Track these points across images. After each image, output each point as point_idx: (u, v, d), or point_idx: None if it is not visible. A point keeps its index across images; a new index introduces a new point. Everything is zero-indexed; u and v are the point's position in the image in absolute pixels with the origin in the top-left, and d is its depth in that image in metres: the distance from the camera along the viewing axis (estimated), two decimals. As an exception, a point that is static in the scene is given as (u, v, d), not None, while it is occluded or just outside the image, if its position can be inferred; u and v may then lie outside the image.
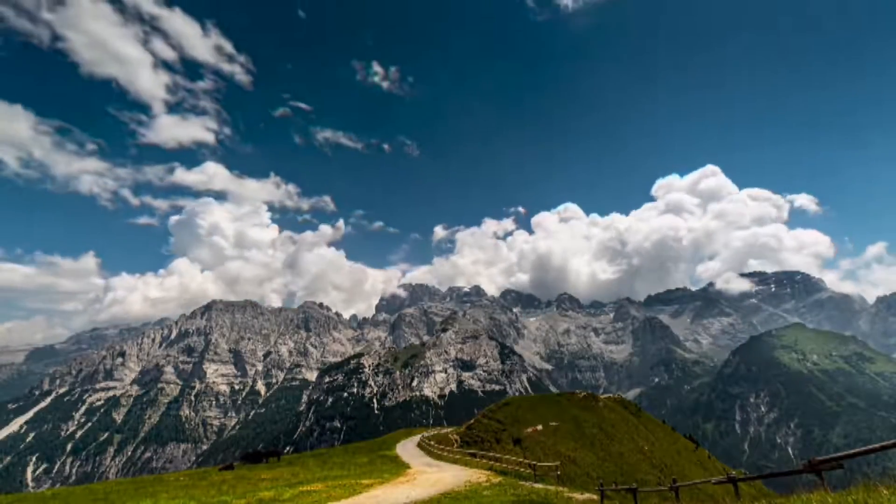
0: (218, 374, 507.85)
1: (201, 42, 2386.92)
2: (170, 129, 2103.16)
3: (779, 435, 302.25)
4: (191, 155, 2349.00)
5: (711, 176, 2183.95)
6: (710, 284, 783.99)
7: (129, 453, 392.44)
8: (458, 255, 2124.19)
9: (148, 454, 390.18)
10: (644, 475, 58.13)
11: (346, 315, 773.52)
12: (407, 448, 54.55)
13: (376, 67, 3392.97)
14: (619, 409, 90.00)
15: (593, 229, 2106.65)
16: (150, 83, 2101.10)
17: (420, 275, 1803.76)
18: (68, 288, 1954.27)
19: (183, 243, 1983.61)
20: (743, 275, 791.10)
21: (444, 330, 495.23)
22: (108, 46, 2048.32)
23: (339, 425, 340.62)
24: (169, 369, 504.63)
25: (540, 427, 68.29)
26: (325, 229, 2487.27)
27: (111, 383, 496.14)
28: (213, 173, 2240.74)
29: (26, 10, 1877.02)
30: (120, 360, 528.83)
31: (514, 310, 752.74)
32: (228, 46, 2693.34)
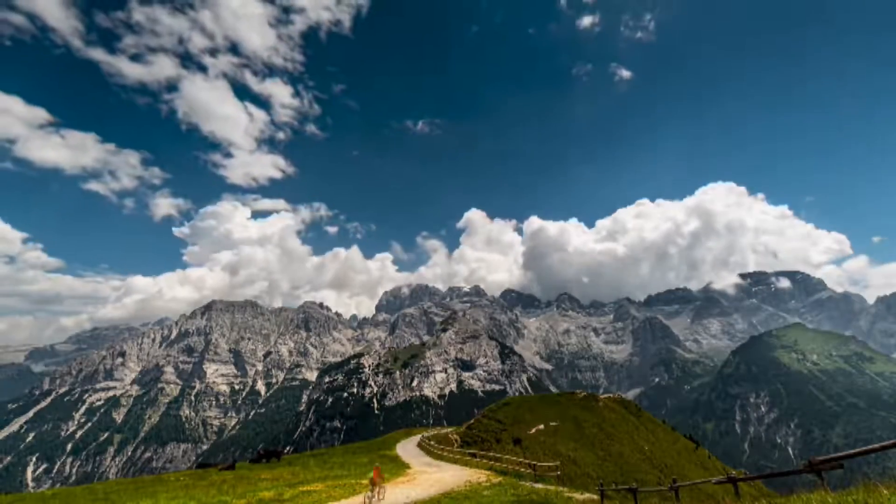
0: (218, 374, 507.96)
1: (292, 109, 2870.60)
2: (246, 169, 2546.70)
3: (779, 435, 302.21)
4: (261, 189, 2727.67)
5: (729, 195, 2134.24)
6: (710, 284, 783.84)
7: (129, 453, 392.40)
8: (466, 238, 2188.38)
9: (148, 454, 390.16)
10: (644, 475, 58.10)
11: (347, 315, 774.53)
12: (407, 448, 54.52)
13: (421, 125, 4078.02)
14: (619, 409, 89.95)
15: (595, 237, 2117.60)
16: (240, 137, 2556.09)
17: (438, 270, 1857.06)
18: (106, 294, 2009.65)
19: (210, 249, 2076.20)
20: (743, 275, 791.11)
21: (444, 330, 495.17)
22: (215, 112, 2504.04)
23: (339, 425, 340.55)
24: (169, 369, 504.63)
25: (542, 427, 68.31)
26: (358, 238, 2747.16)
27: (111, 383, 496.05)
28: (275, 205, 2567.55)
29: (151, 93, 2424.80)
30: (120, 360, 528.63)
31: (514, 310, 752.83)
32: (316, 111, 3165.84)
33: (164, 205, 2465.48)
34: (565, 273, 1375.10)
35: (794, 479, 10.80)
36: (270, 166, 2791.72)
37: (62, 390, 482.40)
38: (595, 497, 20.37)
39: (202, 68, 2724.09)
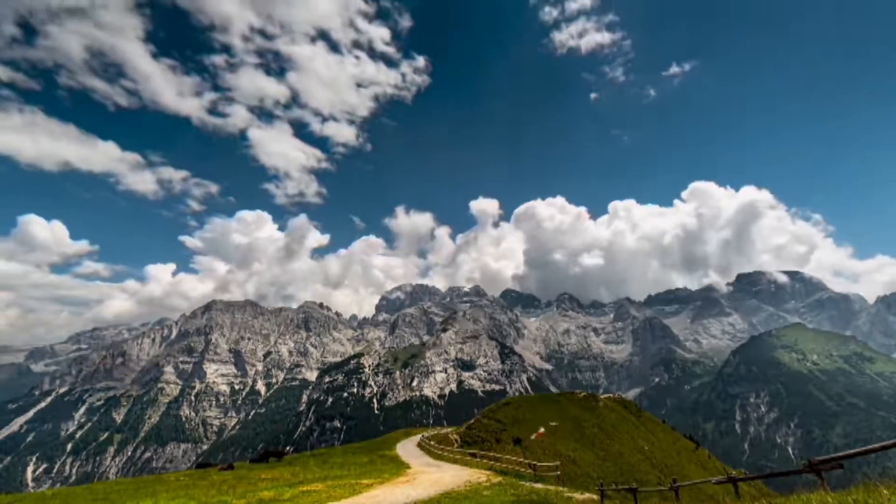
0: (218, 374, 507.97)
1: (347, 147, 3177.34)
2: (292, 196, 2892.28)
3: (779, 435, 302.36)
4: (307, 212, 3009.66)
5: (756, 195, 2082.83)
6: (710, 284, 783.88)
7: (129, 453, 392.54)
8: (476, 229, 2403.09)
9: (148, 454, 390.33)
10: (644, 475, 58.12)
11: (347, 314, 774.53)
12: (407, 448, 54.51)
13: (454, 154, 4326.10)
14: (619, 409, 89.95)
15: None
16: (298, 173, 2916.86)
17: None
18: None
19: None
20: (743, 274, 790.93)
21: (444, 330, 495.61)
22: (275, 150, 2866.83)
23: (339, 425, 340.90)
24: (169, 369, 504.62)
25: (542, 430, 68.42)
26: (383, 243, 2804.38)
27: (111, 383, 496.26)
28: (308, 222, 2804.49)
29: (232, 140, 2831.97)
30: (120, 360, 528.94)
31: (514, 310, 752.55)
32: (368, 148, 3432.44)
33: (219, 224, 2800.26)
34: (564, 260, 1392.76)
35: (794, 479, 10.80)
36: (315, 194, 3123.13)
37: (62, 390, 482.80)
38: (595, 497, 20.38)
39: (272, 117, 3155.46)
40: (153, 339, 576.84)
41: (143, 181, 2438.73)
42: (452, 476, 26.53)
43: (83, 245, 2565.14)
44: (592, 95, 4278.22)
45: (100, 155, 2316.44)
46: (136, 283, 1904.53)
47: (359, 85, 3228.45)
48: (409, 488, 22.21)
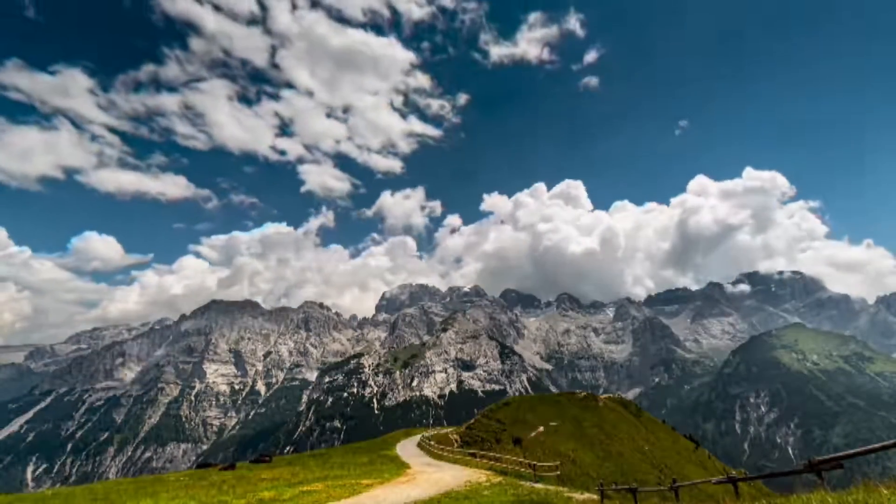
0: (218, 374, 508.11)
1: (385, 175, 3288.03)
2: (328, 220, 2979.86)
3: (779, 435, 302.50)
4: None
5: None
6: (710, 283, 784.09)
7: (129, 453, 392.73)
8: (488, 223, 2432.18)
9: (148, 454, 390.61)
10: (644, 475, 58.14)
11: (347, 315, 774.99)
12: (407, 448, 54.47)
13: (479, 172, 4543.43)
14: (619, 409, 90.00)
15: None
16: (339, 200, 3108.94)
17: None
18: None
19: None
20: (743, 274, 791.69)
21: (444, 330, 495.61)
22: (318, 180, 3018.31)
23: (339, 425, 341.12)
24: (169, 369, 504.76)
25: (541, 428, 68.42)
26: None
27: (111, 383, 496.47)
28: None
29: (287, 168, 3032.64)
30: (120, 359, 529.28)
31: (514, 310, 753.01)
32: (405, 175, 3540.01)
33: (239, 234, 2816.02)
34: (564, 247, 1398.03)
35: (794, 479, 10.82)
36: (346, 216, 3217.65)
37: (62, 390, 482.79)
38: (595, 497, 20.38)
39: (321, 152, 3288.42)
40: (153, 340, 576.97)
41: (208, 206, 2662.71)
42: (452, 476, 26.53)
43: (137, 258, 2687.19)
44: (600, 145, 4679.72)
45: (171, 186, 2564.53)
46: (154, 274, 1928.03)
47: (409, 134, 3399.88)
48: (409, 488, 22.22)
